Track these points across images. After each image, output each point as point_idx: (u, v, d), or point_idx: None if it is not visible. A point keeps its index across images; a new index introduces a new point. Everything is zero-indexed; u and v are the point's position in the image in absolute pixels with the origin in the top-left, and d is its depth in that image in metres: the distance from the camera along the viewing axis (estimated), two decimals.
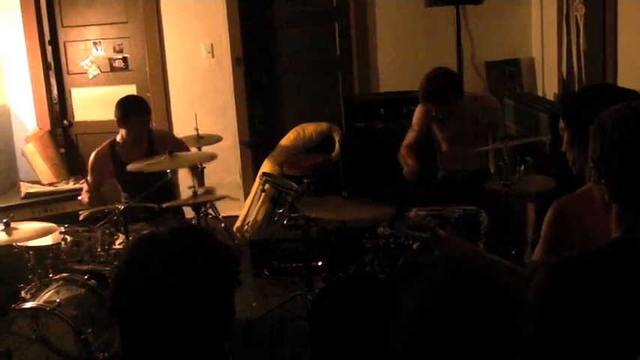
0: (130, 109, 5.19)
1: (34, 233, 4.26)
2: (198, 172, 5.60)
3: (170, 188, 5.39)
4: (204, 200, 5.00)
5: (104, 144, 5.34)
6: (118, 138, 5.26)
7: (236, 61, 7.06)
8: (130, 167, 4.76)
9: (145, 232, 4.40)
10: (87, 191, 5.18)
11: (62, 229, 4.40)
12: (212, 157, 4.98)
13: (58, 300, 4.03)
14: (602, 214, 2.20)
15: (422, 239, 3.06)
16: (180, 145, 5.38)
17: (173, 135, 5.56)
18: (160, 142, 5.25)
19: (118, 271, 1.81)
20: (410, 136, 5.29)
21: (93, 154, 5.33)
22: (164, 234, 1.82)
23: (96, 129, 7.08)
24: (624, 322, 1.82)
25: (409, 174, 5.04)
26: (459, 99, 4.98)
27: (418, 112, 5.31)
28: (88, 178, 5.25)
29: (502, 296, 1.65)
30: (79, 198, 5.27)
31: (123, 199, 5.07)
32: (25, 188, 6.12)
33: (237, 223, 6.19)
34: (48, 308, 3.97)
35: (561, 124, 2.50)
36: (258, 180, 5.74)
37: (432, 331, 1.59)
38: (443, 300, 1.62)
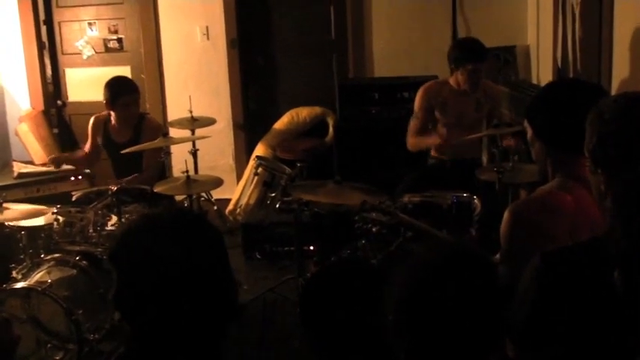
0: (119, 88, 5.21)
1: (26, 214, 4.27)
2: None
3: (162, 170, 5.37)
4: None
5: (104, 112, 5.37)
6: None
7: (231, 43, 7.03)
8: (124, 151, 4.79)
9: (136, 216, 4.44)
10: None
11: (54, 209, 4.40)
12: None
13: (49, 280, 4.03)
14: (561, 219, 2.23)
15: (382, 223, 3.07)
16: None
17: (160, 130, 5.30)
18: (147, 133, 5.20)
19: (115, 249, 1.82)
20: (413, 125, 5.30)
21: (92, 118, 5.45)
22: (157, 215, 1.82)
23: (89, 109, 6.95)
24: (618, 310, 1.82)
25: (441, 146, 5.13)
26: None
27: (419, 98, 5.30)
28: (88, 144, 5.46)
29: (494, 280, 1.69)
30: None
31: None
32: (18, 168, 6.10)
33: (230, 206, 6.18)
34: (39, 289, 3.96)
35: (525, 122, 2.49)
36: (251, 163, 5.72)
37: (426, 308, 1.65)
38: (437, 278, 1.67)
